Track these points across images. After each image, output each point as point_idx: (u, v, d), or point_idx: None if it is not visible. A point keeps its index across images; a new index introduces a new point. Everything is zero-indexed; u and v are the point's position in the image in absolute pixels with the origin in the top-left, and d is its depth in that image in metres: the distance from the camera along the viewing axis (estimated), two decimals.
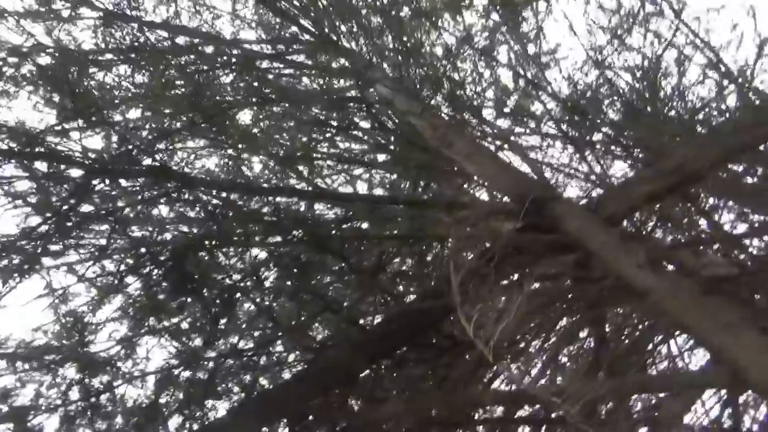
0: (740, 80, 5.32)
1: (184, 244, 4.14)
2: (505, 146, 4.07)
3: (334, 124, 5.11)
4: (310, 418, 3.60)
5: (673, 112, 5.90)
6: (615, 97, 6.14)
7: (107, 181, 3.90)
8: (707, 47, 5.36)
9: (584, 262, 3.47)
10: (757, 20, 5.50)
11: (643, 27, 6.11)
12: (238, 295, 4.02)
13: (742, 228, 4.76)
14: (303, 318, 3.96)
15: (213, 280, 4.12)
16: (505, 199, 3.67)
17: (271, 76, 5.80)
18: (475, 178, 3.94)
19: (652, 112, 5.83)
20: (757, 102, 4.48)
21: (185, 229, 4.35)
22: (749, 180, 4.92)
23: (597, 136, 5.73)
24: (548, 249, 3.56)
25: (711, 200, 4.65)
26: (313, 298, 3.86)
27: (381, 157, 6.56)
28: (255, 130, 5.12)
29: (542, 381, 4.39)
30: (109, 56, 5.86)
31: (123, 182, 3.96)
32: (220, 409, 3.74)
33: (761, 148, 3.57)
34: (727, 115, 5.14)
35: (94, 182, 3.82)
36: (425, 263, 4.22)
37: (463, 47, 6.72)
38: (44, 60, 4.97)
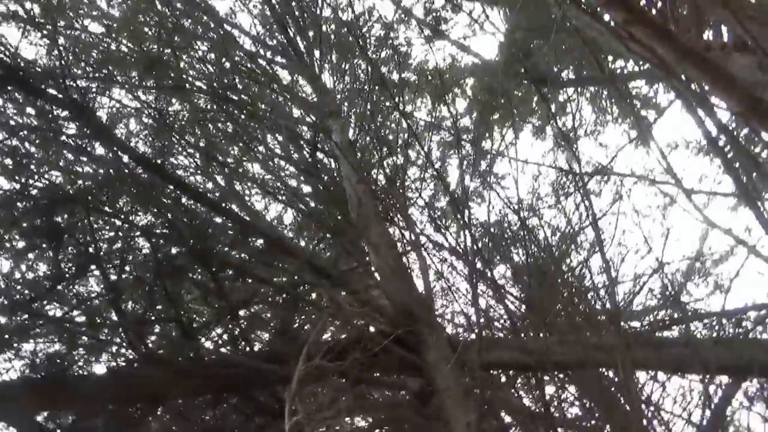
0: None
1: (67, 190, 3.88)
2: (413, 252, 4.19)
3: (278, 149, 5.06)
4: (98, 421, 3.39)
5: (568, 281, 6.33)
6: (527, 244, 6.51)
7: (23, 94, 3.62)
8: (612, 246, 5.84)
9: (425, 394, 3.58)
10: (666, 243, 6.10)
11: (579, 198, 6.62)
12: (94, 264, 3.77)
13: (576, 413, 5.08)
14: (146, 316, 3.76)
15: (78, 236, 3.86)
16: (389, 302, 3.74)
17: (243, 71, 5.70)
18: (374, 270, 4.01)
19: (552, 274, 6.22)
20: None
21: (77, 173, 4.08)
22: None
23: (494, 272, 6.02)
24: (402, 366, 3.65)
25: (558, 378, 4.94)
26: (167, 303, 3.68)
27: (306, 189, 6.55)
28: (202, 114, 4.96)
29: None
30: None
31: (39, 102, 3.68)
32: (12, 372, 3.41)
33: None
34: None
35: (9, 88, 3.54)
36: (289, 323, 4.18)
37: (427, 132, 6.97)
38: None
